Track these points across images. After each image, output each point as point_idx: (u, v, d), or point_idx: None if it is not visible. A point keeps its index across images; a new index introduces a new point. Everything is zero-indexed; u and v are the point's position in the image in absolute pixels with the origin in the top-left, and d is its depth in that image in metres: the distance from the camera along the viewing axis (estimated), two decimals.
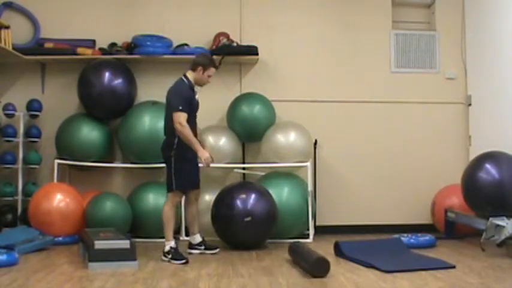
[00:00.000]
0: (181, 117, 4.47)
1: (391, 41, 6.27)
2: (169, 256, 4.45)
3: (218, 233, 5.11)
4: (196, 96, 4.75)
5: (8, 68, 5.87)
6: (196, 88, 4.74)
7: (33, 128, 5.76)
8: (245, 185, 5.39)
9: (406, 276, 3.85)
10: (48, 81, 5.95)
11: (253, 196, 5.01)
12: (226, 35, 5.91)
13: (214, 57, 5.74)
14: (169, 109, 4.59)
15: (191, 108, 4.61)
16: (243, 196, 4.99)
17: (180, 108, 4.49)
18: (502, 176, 4.89)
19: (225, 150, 5.58)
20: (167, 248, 4.49)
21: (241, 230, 4.92)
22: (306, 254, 4.10)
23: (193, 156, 4.62)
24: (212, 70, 4.70)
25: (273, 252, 4.84)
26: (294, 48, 6.14)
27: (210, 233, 5.09)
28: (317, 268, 3.87)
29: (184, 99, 4.54)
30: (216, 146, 5.54)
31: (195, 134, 4.62)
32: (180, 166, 4.56)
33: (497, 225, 4.60)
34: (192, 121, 4.60)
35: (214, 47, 5.86)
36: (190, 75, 4.69)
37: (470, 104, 6.23)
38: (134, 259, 4.18)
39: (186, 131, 4.46)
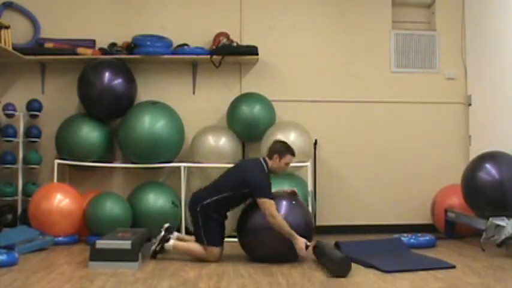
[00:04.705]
0: (272, 208, 4.13)
1: (391, 41, 6.27)
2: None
3: (243, 243, 4.54)
4: None
5: (8, 68, 5.87)
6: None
7: (33, 128, 5.76)
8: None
9: (406, 276, 3.86)
10: (48, 81, 5.95)
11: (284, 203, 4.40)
12: (226, 35, 5.91)
13: (214, 57, 5.79)
14: (246, 186, 4.29)
15: None
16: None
17: (271, 197, 4.16)
18: (502, 176, 4.89)
19: (225, 150, 5.58)
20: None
21: (271, 240, 4.28)
22: (329, 254, 4.09)
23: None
24: (289, 158, 4.43)
25: None
26: (294, 48, 6.14)
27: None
28: (341, 268, 3.87)
29: (270, 186, 4.24)
30: (216, 146, 5.55)
31: None
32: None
33: (497, 225, 4.60)
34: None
35: (214, 47, 5.86)
36: (268, 162, 4.46)
37: (470, 104, 6.23)
38: (135, 260, 4.16)
39: (282, 223, 4.15)
